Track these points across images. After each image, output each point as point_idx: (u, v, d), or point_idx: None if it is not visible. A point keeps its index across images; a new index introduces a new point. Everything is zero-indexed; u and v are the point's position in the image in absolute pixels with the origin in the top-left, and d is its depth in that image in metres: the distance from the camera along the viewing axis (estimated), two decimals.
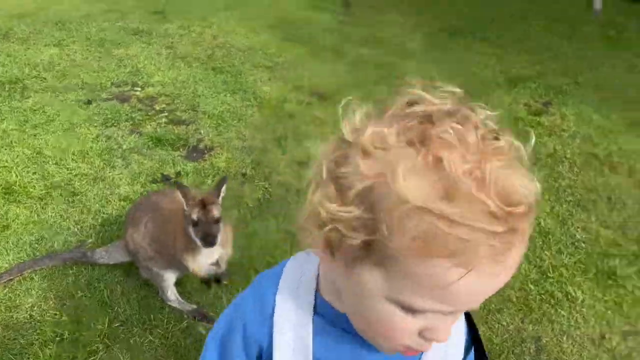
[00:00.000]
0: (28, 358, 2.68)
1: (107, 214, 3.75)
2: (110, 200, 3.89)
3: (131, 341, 2.80)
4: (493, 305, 3.09)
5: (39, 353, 2.70)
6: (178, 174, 4.24)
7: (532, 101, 5.71)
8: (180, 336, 2.83)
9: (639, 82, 6.23)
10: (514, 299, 3.14)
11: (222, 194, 2.73)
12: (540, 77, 6.32)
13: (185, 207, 2.60)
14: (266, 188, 4.16)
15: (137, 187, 4.05)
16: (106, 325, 2.87)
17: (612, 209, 4.00)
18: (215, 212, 2.60)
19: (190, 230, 2.60)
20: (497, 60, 6.79)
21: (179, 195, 2.62)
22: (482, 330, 2.91)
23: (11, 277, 3.12)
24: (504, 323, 2.98)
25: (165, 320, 2.92)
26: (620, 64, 6.84)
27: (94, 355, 2.71)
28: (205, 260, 2.85)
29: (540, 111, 5.49)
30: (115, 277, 3.18)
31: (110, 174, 4.20)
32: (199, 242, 2.60)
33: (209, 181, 4.17)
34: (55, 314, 2.94)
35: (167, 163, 4.36)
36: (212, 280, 3.14)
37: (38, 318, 2.92)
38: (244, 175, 4.31)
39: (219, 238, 2.64)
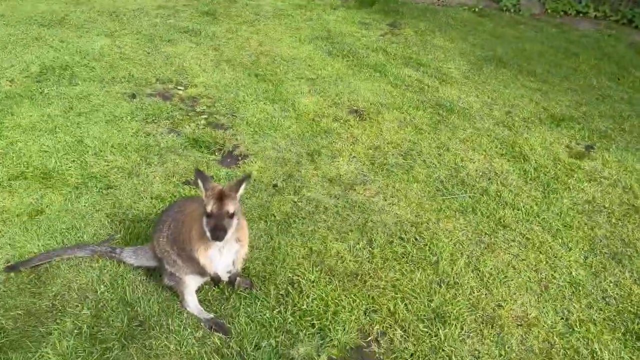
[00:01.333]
0: (46, 347, 2.73)
1: (138, 210, 3.80)
2: (142, 197, 3.95)
3: (146, 343, 2.82)
4: (514, 355, 3.00)
5: (57, 344, 2.74)
6: (211, 177, 4.27)
7: (574, 143, 5.57)
8: (195, 344, 2.84)
9: None
10: (537, 350, 3.05)
11: (241, 191, 2.64)
12: (585, 119, 6.16)
13: (203, 196, 2.56)
14: (295, 202, 4.16)
15: (170, 186, 4.11)
16: (125, 324, 2.90)
17: None
18: (231, 206, 2.53)
19: (204, 220, 2.56)
20: (542, 95, 6.65)
21: (198, 181, 2.59)
22: None
23: (39, 263, 3.19)
24: None
25: (182, 327, 2.93)
26: None
27: (109, 353, 2.74)
28: (216, 255, 2.79)
29: (582, 155, 5.35)
30: (138, 276, 3.21)
31: (146, 170, 4.26)
32: (207, 233, 2.55)
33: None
34: (77, 306, 2.99)
35: (202, 165, 4.40)
36: (223, 282, 3.02)
37: (60, 308, 2.97)
38: (274, 186, 4.32)
39: (229, 234, 2.58)
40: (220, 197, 2.52)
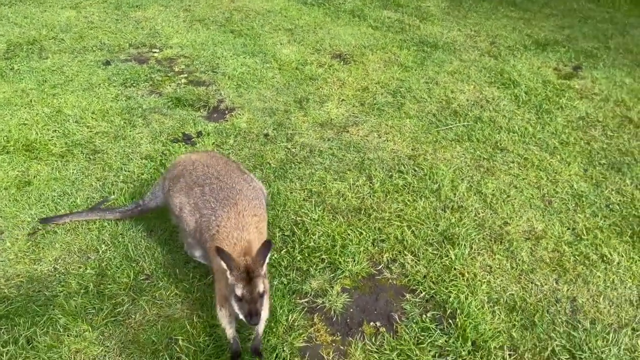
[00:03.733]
0: (53, 309, 2.66)
1: (129, 171, 3.69)
2: (132, 159, 3.83)
3: (157, 294, 2.76)
4: (526, 266, 2.99)
5: (64, 304, 2.67)
6: (199, 133, 4.16)
7: (562, 65, 5.51)
8: (205, 290, 2.78)
9: None
10: (547, 260, 3.05)
11: (267, 262, 2.36)
12: (569, 41, 6.09)
13: (228, 276, 2.28)
14: (289, 149, 4.07)
15: (159, 145, 3.99)
16: (131, 279, 2.83)
17: None
18: (261, 286, 2.28)
19: (234, 303, 2.30)
20: (525, 23, 6.55)
21: (220, 262, 2.29)
22: (515, 289, 2.82)
23: (62, 222, 3.19)
24: (538, 283, 2.89)
25: (191, 275, 2.87)
26: None
27: (120, 307, 2.68)
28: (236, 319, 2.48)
29: (571, 75, 5.29)
30: (139, 232, 3.13)
31: (131, 132, 4.13)
32: (242, 318, 2.28)
33: (231, 141, 4.09)
34: (80, 267, 2.91)
35: (188, 123, 4.28)
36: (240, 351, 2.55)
37: (62, 270, 2.89)
38: (266, 136, 4.21)
39: (265, 314, 2.40)
40: (249, 278, 2.26)
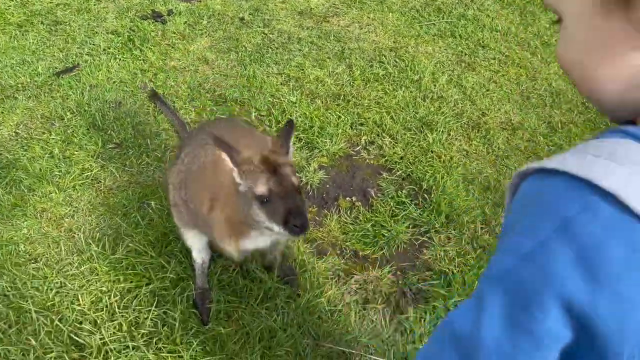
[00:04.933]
0: (16, 171, 2.54)
1: (94, 44, 3.45)
2: (97, 32, 3.57)
3: (127, 162, 2.66)
4: (501, 152, 3.01)
5: (28, 167, 2.55)
6: (170, 12, 3.90)
7: None
8: None
9: None
10: (523, 148, 3.07)
11: (291, 148, 1.71)
12: None
13: (237, 176, 1.62)
14: (266, 34, 3.87)
15: (126, 21, 3.72)
16: (99, 147, 2.72)
17: None
18: (294, 177, 1.61)
19: (257, 210, 1.60)
20: None
21: (223, 156, 1.61)
22: (490, 172, 2.85)
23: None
24: (512, 167, 2.92)
25: (163, 146, 2.77)
26: None
27: (88, 172, 2.58)
28: (253, 245, 1.86)
29: None
30: (106, 104, 2.97)
31: (96, 6, 3.83)
32: (280, 229, 1.58)
33: (204, 22, 3.85)
34: (44, 133, 2.76)
35: (158, 0, 3.99)
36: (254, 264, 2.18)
37: (25, 135, 2.75)
38: (241, 19, 3.99)
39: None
40: (274, 168, 1.57)
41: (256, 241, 1.81)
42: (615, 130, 0.62)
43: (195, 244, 2.09)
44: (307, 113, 3.11)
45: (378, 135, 3.02)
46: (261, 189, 1.55)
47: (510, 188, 0.68)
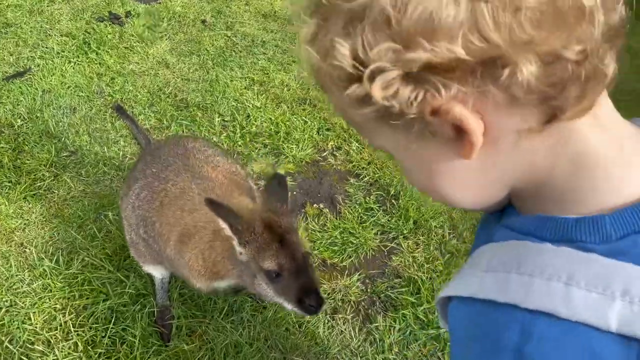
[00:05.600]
0: None
1: (47, 47, 3.29)
2: (50, 35, 3.41)
3: (83, 171, 2.53)
4: None
5: None
6: (128, 14, 3.76)
7: None
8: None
9: None
10: None
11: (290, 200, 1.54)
12: None
13: (237, 245, 1.44)
14: (229, 37, 3.78)
15: (82, 23, 3.57)
16: (52, 155, 2.58)
17: None
18: (302, 245, 1.45)
19: (265, 286, 1.45)
20: None
21: (216, 218, 1.42)
22: None
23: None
24: None
25: (121, 153, 2.65)
26: None
27: (41, 182, 2.44)
28: (227, 284, 1.71)
29: None
30: (60, 110, 2.83)
31: (49, 7, 3.66)
32: (294, 308, 1.44)
33: (164, 24, 3.74)
34: None
35: (115, 2, 3.85)
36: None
37: None
38: (203, 22, 3.89)
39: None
40: (281, 237, 1.41)
41: (232, 281, 1.65)
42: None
43: (156, 271, 1.95)
44: (273, 118, 3.05)
45: (345, 141, 2.98)
46: (270, 264, 1.38)
47: (438, 307, 0.67)
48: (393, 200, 2.63)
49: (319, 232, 2.46)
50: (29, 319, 1.94)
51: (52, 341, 1.88)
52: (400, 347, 2.05)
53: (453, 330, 0.63)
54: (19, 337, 1.88)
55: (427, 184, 0.62)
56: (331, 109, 0.62)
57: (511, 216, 0.62)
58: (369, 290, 2.26)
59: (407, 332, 2.09)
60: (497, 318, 0.53)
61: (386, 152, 0.63)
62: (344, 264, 2.34)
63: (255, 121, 3.01)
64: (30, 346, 1.86)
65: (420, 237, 2.47)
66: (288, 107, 3.18)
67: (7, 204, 2.31)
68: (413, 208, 2.57)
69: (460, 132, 0.51)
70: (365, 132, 0.62)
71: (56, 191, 2.42)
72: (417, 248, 2.43)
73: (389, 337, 2.07)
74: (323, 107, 3.22)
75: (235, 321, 2.02)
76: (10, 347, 1.84)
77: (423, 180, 0.62)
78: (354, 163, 2.84)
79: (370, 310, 2.18)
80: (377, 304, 2.21)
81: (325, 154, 2.90)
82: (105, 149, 2.65)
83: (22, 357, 1.82)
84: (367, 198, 2.63)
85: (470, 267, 0.61)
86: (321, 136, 3.01)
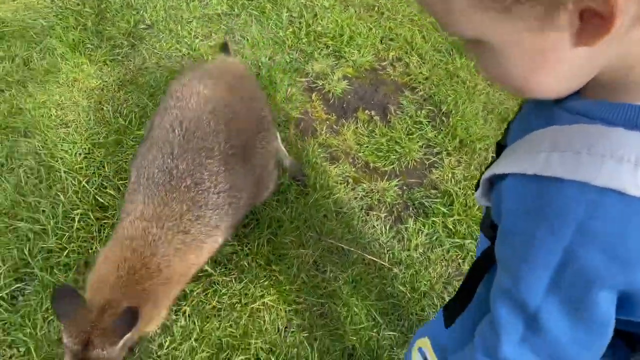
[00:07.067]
0: (51, 38, 2.59)
1: None
2: None
3: (157, 45, 2.70)
4: None
5: (62, 36, 2.60)
6: None
7: None
8: (207, 51, 2.73)
9: None
10: None
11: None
12: None
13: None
14: None
15: None
16: (131, 25, 2.74)
17: None
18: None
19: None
20: None
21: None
22: (511, 104, 2.86)
23: None
24: None
25: (193, 34, 2.78)
26: None
27: (119, 49, 2.63)
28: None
29: None
30: None
31: None
32: None
33: None
34: (78, 5, 2.78)
35: None
36: None
37: (60, 4, 2.77)
38: None
39: None
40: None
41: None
42: (568, 108, 0.62)
43: None
44: (339, 20, 3.08)
45: (406, 53, 3.01)
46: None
47: (485, 184, 0.70)
48: (443, 118, 2.70)
49: (367, 137, 2.59)
50: (103, 167, 2.20)
51: (121, 188, 2.15)
52: (424, 249, 2.23)
53: (508, 205, 0.65)
54: (94, 181, 2.15)
55: (524, 75, 0.59)
56: None
57: (570, 100, 0.63)
58: (404, 196, 2.41)
59: (434, 237, 2.26)
60: (564, 194, 0.57)
61: (470, 45, 0.61)
62: (385, 169, 2.48)
63: (322, 21, 3.05)
64: (103, 189, 2.14)
65: (464, 156, 2.56)
66: (355, 11, 3.19)
67: (89, 64, 2.53)
68: (462, 127, 2.64)
69: (585, 19, 0.50)
70: (462, 19, 0.56)
71: (132, 60, 2.61)
72: (459, 165, 2.53)
73: (417, 239, 2.25)
74: (390, 16, 3.22)
75: (280, 200, 2.23)
76: (87, 186, 2.12)
77: (519, 71, 0.59)
78: (411, 76, 2.89)
79: (402, 213, 2.35)
80: (411, 209, 2.38)
81: (384, 63, 2.95)
82: (179, 28, 2.79)
83: (97, 197, 2.10)
84: (419, 112, 2.71)
85: (526, 148, 0.63)
86: (384, 45, 3.04)
